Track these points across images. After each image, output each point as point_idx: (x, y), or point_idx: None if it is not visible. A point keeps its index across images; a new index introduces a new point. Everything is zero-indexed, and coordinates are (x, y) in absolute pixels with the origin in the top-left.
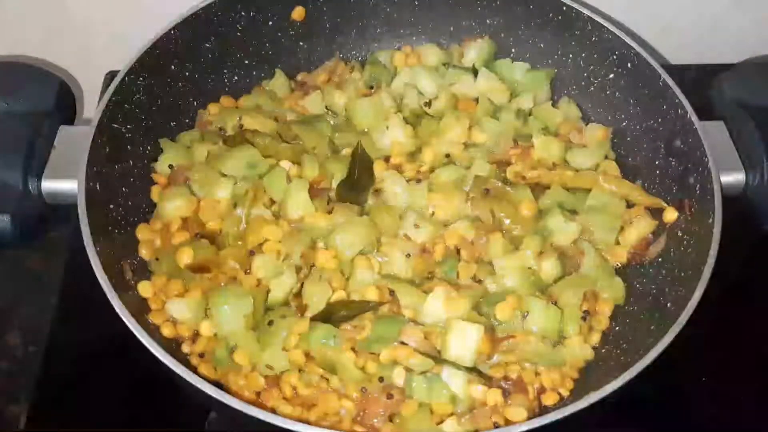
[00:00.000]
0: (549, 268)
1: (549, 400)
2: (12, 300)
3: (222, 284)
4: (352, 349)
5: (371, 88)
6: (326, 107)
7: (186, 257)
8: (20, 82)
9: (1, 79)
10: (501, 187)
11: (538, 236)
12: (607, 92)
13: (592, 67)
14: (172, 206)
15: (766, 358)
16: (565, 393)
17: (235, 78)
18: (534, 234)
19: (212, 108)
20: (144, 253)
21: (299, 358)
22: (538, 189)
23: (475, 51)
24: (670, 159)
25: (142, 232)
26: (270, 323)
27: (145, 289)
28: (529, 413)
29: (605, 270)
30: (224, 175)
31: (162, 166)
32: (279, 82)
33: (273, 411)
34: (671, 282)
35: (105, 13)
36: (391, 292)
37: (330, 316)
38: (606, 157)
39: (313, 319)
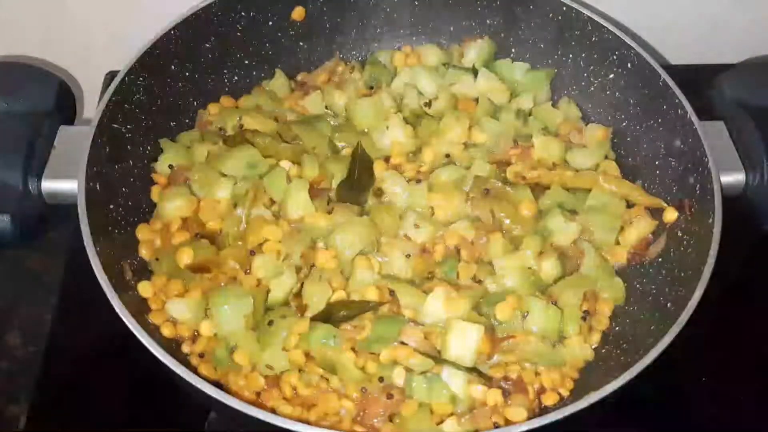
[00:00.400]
0: (549, 268)
1: (549, 400)
2: (12, 300)
3: (222, 284)
4: (352, 349)
5: (371, 88)
6: (326, 107)
7: (186, 257)
8: (20, 82)
9: (1, 79)
10: (501, 187)
11: (538, 236)
12: (607, 92)
13: (592, 67)
14: (172, 206)
15: (766, 358)
16: (565, 393)
17: (235, 78)
18: (534, 234)
19: (212, 108)
20: (144, 253)
21: (299, 358)
22: (538, 189)
23: (475, 51)
24: (670, 159)
25: (142, 232)
26: (270, 323)
27: (145, 289)
28: (529, 413)
29: (605, 270)
30: (224, 175)
31: (162, 166)
32: (279, 82)
33: (273, 411)
34: (671, 282)
35: (105, 13)
36: (391, 292)
37: (330, 316)
38: (606, 157)
39: (313, 319)
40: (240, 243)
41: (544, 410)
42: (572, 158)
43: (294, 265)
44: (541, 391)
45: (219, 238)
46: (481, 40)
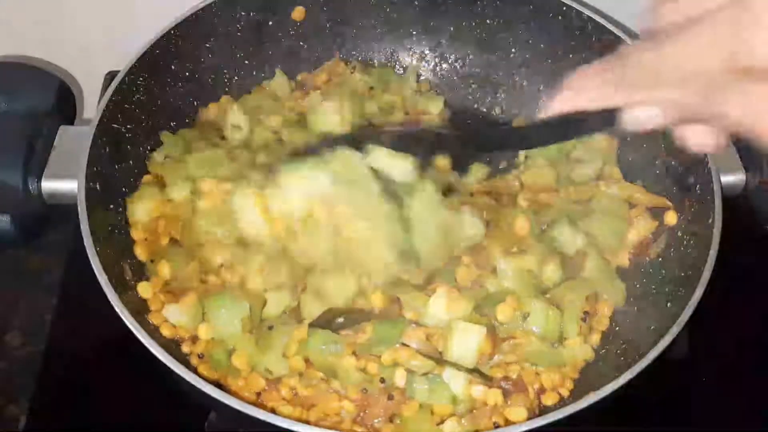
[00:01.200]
0: (550, 272)
1: (549, 400)
2: (12, 300)
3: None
4: (353, 353)
5: (371, 88)
6: None
7: (165, 271)
8: (20, 82)
9: (1, 79)
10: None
11: (542, 245)
12: None
13: None
14: (142, 208)
15: (767, 359)
16: (565, 393)
17: (235, 78)
18: (539, 243)
19: (212, 107)
20: (139, 253)
21: (299, 363)
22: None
23: None
24: (670, 159)
25: (137, 233)
26: (270, 327)
27: (144, 289)
28: (529, 413)
29: (607, 273)
30: (187, 177)
31: (159, 156)
32: (279, 82)
33: (273, 411)
34: (671, 282)
35: (105, 13)
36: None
37: (329, 322)
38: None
39: (312, 325)
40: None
41: (544, 410)
42: (575, 173)
43: (287, 287)
44: (541, 391)
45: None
46: None
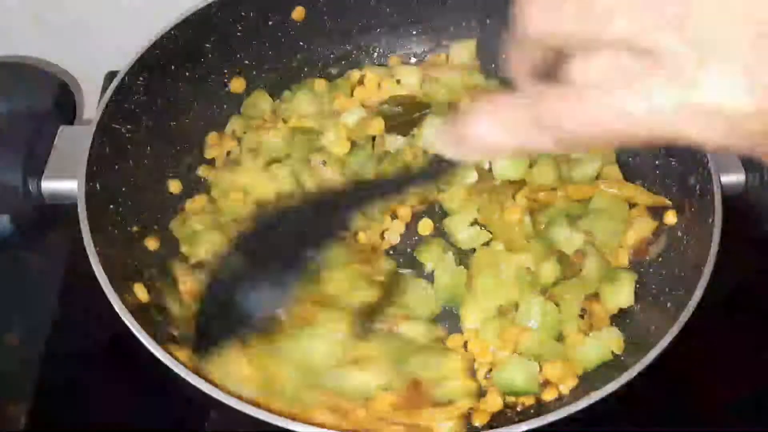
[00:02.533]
0: (548, 270)
1: (548, 395)
2: (12, 300)
3: None
4: None
5: None
6: None
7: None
8: (20, 82)
9: (1, 79)
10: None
11: (541, 244)
12: None
13: None
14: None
15: (766, 360)
16: (566, 391)
17: (235, 78)
18: (538, 241)
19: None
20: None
21: None
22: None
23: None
24: (670, 159)
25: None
26: None
27: (143, 290)
28: None
29: (607, 273)
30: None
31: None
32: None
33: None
34: (671, 282)
35: (105, 13)
36: None
37: None
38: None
39: None
40: None
41: (543, 409)
42: (575, 172)
43: None
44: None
45: None
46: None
